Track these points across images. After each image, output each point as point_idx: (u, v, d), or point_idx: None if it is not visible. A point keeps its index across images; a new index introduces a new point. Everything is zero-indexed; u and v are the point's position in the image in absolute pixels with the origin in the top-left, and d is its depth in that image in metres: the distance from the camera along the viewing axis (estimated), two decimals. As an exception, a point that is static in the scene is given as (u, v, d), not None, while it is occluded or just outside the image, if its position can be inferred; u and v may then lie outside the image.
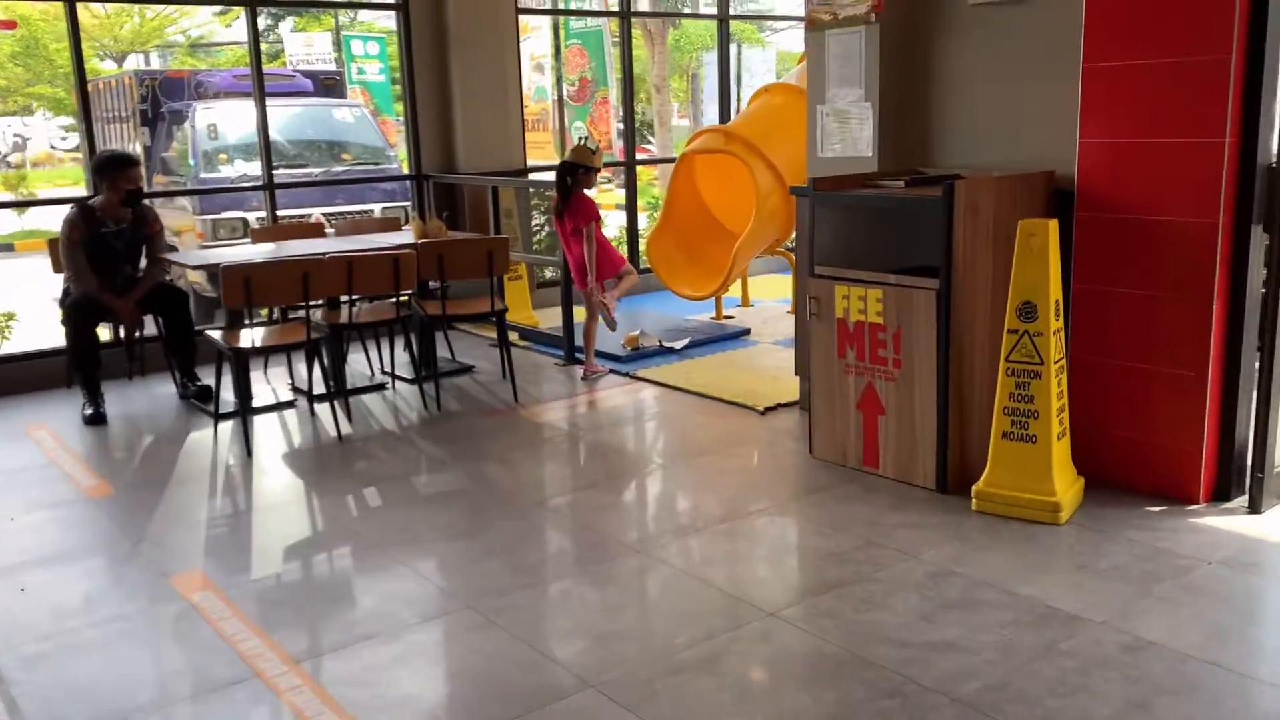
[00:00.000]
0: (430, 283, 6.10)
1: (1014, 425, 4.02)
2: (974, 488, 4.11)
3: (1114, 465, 4.27)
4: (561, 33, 14.86)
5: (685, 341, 6.96)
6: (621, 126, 10.01)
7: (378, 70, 16.96)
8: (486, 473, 4.75)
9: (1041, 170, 4.44)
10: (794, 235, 8.00)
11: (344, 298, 5.80)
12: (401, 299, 6.10)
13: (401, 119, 16.03)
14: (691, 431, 5.34)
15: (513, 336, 7.07)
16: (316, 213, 9.21)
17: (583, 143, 6.17)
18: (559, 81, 15.55)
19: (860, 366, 4.48)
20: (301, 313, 5.56)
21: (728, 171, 8.30)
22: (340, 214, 9.31)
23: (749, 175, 7.40)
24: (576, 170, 6.08)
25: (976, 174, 4.66)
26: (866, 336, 4.43)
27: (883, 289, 4.34)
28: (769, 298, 8.67)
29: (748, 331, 7.38)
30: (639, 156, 19.13)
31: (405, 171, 8.70)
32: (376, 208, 9.56)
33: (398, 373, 6.50)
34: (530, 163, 8.48)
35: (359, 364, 6.77)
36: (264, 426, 5.62)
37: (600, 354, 6.71)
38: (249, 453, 5.13)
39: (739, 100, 11.54)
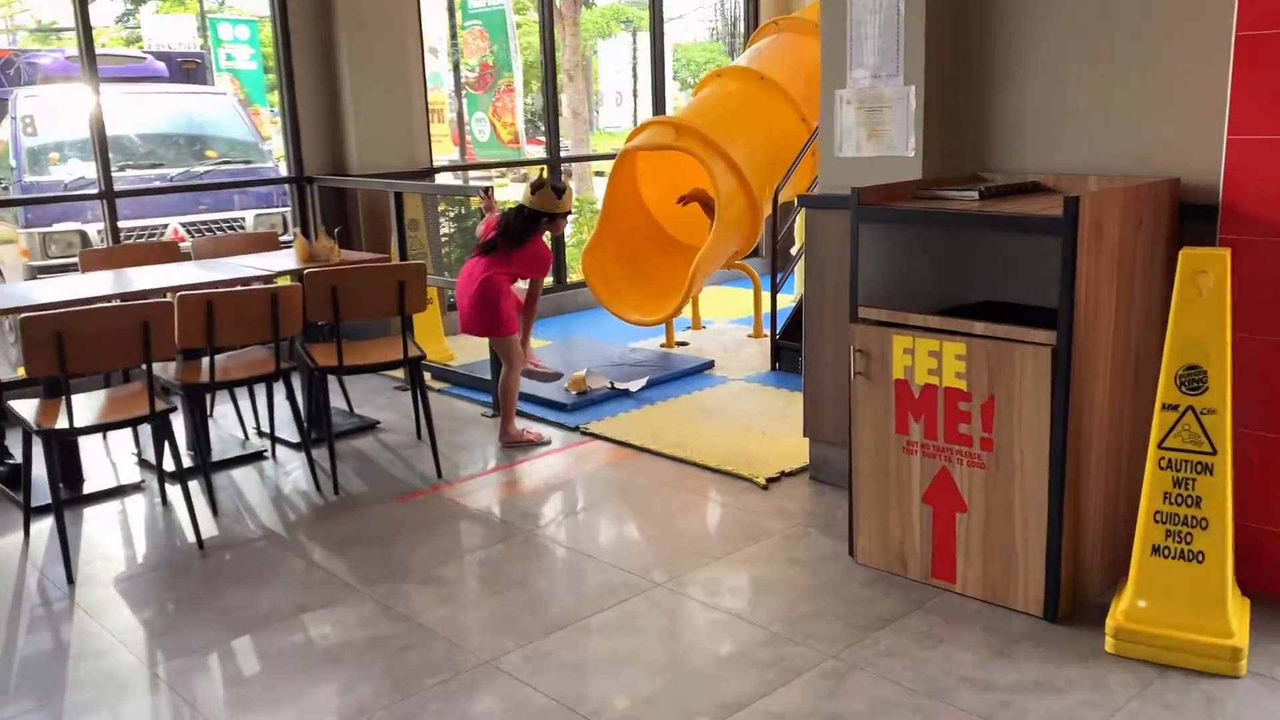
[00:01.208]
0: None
1: (1170, 537, 2.87)
2: (1110, 621, 2.95)
3: (1275, 576, 3.17)
4: (458, 13, 13.39)
5: (642, 383, 5.69)
6: (536, 117, 8.70)
7: (249, 57, 15.23)
8: (410, 603, 3.40)
9: (1165, 178, 3.31)
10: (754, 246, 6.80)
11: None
12: (282, 340, 4.67)
13: (276, 110, 14.31)
14: (680, 521, 4.07)
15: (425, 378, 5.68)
16: (174, 223, 7.62)
17: (546, 183, 4.83)
18: (456, 68, 14.08)
19: (930, 445, 3.27)
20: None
21: (676, 171, 7.05)
22: (203, 225, 7.74)
23: (708, 177, 6.16)
24: (539, 219, 4.77)
25: (1066, 179, 3.51)
26: (941, 405, 3.22)
27: (966, 341, 3.14)
28: (722, 317, 7.45)
29: (711, 364, 6.15)
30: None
31: (283, 173, 7.19)
32: (248, 215, 8.02)
33: (279, 434, 5.06)
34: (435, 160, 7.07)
35: (228, 421, 5.30)
36: (96, 525, 4.14)
37: (534, 401, 5.38)
38: (70, 575, 3.66)
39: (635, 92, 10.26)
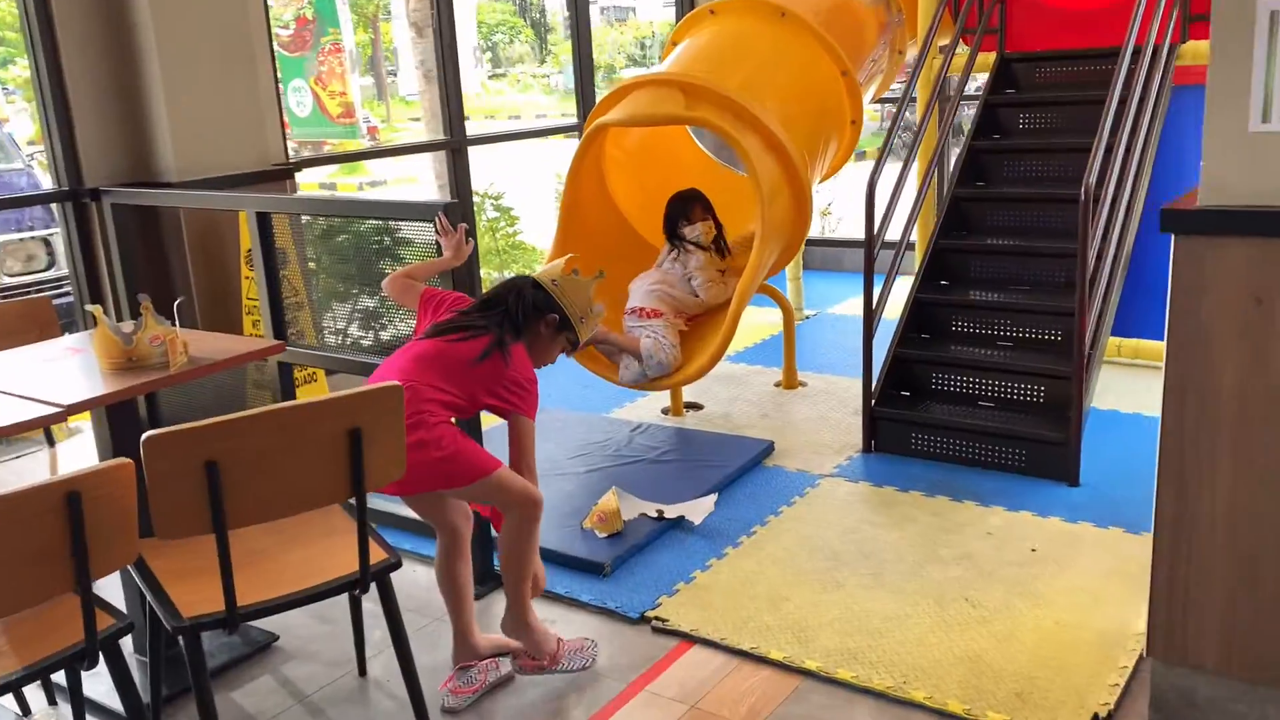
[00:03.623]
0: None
1: None
2: None
3: None
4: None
5: (711, 506, 3.54)
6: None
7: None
8: None
9: None
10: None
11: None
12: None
13: (14, 90, 10.92)
14: None
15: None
16: None
17: (574, 275, 2.71)
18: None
19: None
20: None
21: (652, 153, 4.93)
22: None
23: (748, 163, 4.06)
24: (543, 317, 2.63)
25: None
26: None
27: None
28: (717, 354, 5.37)
29: (771, 448, 4.07)
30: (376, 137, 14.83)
31: (48, 184, 4.57)
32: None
33: (93, 695, 2.65)
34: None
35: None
36: None
37: (547, 561, 3.17)
38: None
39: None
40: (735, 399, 4.71)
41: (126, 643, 2.73)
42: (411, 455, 2.26)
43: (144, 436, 1.89)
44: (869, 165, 4.05)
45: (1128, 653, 2.62)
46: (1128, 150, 3.89)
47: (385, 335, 4.09)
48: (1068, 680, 2.53)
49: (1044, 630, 2.74)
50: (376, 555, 2.27)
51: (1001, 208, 4.42)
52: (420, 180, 12.59)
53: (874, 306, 3.96)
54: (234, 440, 1.95)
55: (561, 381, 4.83)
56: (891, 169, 4.21)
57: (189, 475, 1.94)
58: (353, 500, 2.16)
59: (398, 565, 2.29)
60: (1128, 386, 4.43)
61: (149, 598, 2.18)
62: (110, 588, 2.61)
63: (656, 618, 2.92)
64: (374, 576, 2.25)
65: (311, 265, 4.64)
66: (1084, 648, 2.65)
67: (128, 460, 1.88)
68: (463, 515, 2.66)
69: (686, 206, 4.42)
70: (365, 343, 4.50)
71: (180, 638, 2.09)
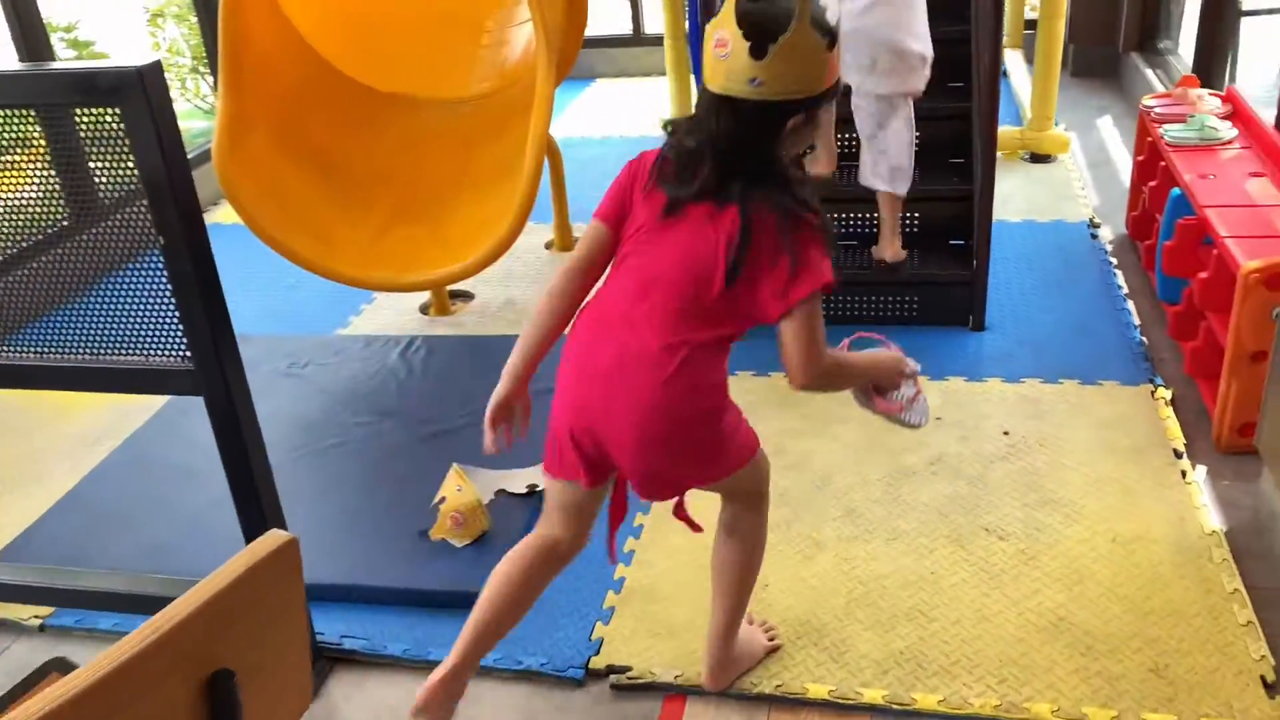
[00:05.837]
0: None
1: None
2: None
3: None
4: None
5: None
6: None
7: None
8: None
9: None
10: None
11: None
12: None
13: None
14: None
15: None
16: None
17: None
18: None
19: None
20: None
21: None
22: None
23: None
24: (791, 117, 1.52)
25: None
26: None
27: None
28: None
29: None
30: None
31: None
32: None
33: None
34: None
35: None
36: None
37: (404, 600, 2.07)
38: None
39: None
40: (506, 276, 3.64)
41: None
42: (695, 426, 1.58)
43: None
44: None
45: (1224, 571, 2.06)
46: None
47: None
48: (1192, 632, 1.94)
49: (1111, 559, 2.13)
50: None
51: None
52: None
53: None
54: None
55: (244, 275, 3.49)
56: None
57: None
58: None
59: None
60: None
61: None
62: None
63: (612, 669, 1.97)
64: None
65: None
66: (1172, 574, 2.07)
67: None
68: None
69: None
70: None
71: None
